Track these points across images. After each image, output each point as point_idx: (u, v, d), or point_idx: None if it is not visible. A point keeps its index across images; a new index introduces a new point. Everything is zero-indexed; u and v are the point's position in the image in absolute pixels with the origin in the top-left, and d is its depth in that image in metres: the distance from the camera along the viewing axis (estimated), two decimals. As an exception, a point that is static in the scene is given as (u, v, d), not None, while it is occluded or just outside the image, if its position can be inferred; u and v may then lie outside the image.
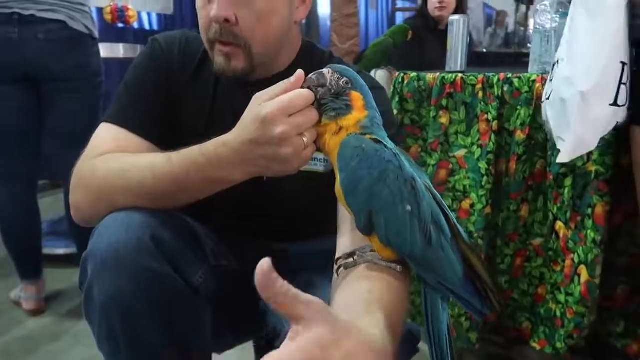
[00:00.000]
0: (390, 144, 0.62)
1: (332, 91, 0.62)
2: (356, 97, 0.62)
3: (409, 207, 0.57)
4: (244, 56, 0.81)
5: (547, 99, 1.09)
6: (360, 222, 0.60)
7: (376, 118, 0.64)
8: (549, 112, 1.06)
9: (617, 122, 0.98)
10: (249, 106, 0.65)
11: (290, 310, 0.40)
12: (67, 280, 2.05)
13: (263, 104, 0.62)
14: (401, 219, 0.57)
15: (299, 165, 0.65)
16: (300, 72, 0.63)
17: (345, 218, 0.73)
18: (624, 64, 0.95)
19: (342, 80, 0.63)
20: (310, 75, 0.63)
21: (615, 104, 0.95)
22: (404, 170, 0.59)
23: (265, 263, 0.39)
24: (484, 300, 0.60)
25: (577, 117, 0.97)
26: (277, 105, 0.61)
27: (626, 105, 0.97)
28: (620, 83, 0.95)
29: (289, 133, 0.61)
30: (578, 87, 0.96)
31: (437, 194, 0.62)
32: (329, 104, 0.62)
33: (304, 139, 0.62)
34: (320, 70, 0.63)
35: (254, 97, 0.65)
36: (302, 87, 0.62)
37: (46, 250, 2.06)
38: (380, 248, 0.61)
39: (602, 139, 1.07)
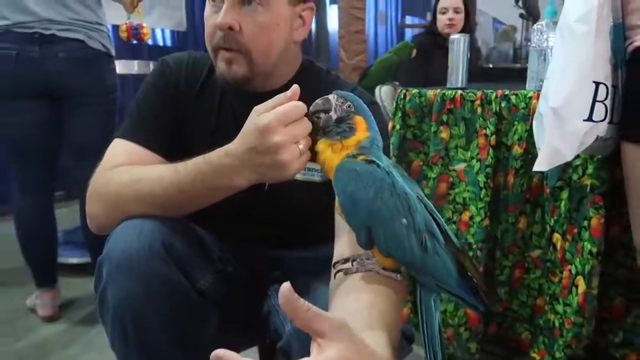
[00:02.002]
0: (384, 161, 0.66)
1: (337, 115, 0.68)
2: (359, 120, 0.68)
3: (404, 220, 0.61)
4: (245, 62, 0.86)
5: None
6: (361, 239, 0.65)
7: (376, 140, 0.68)
8: (534, 125, 1.13)
9: (598, 136, 1.04)
10: (249, 117, 0.71)
11: (312, 326, 0.45)
12: (81, 289, 2.10)
13: (261, 115, 0.68)
14: (398, 232, 0.61)
15: (296, 171, 0.70)
16: (295, 87, 0.69)
17: (341, 224, 0.77)
18: (597, 83, 1.01)
19: (346, 104, 0.68)
20: (317, 101, 0.69)
21: (590, 119, 1.01)
22: (396, 186, 0.63)
23: (285, 286, 0.44)
24: (478, 298, 0.65)
25: (549, 130, 1.04)
26: (274, 116, 0.67)
27: (606, 120, 1.03)
28: (595, 100, 1.01)
29: (286, 141, 0.67)
30: (549, 103, 1.03)
31: (429, 203, 0.66)
32: (333, 128, 0.68)
33: (299, 146, 0.68)
34: (326, 96, 0.69)
35: (253, 109, 0.71)
36: (308, 112, 0.68)
37: (61, 259, 2.12)
38: (381, 258, 0.66)
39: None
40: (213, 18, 0.85)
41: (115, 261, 0.75)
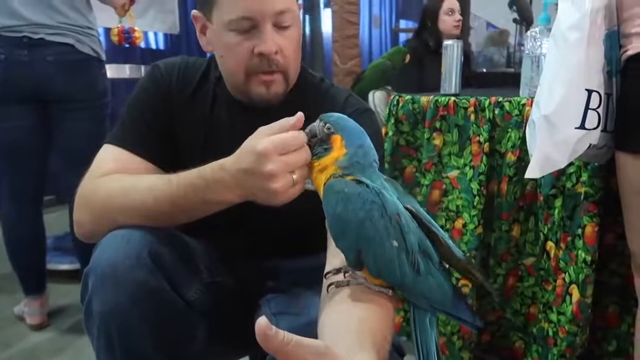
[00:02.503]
0: (375, 180, 0.64)
1: (320, 139, 0.68)
2: (335, 139, 0.67)
3: (395, 243, 0.60)
4: (282, 81, 0.87)
5: None
6: (350, 261, 0.64)
7: (356, 155, 0.66)
8: (527, 132, 1.13)
9: (591, 144, 1.04)
10: (251, 136, 0.70)
11: (296, 358, 0.43)
12: (71, 296, 2.08)
13: (260, 139, 0.67)
14: (389, 255, 0.60)
15: (286, 200, 0.69)
16: (300, 115, 0.68)
17: None
18: (590, 91, 1.01)
19: (326, 126, 0.67)
20: (305, 130, 0.69)
21: (582, 127, 1.02)
22: (387, 208, 0.61)
23: (262, 322, 0.42)
24: (472, 312, 0.64)
25: (541, 137, 1.04)
26: (272, 143, 0.66)
27: (599, 128, 1.03)
28: (588, 108, 1.01)
29: (278, 170, 0.66)
30: (542, 111, 1.03)
31: (425, 215, 0.65)
32: (316, 150, 0.68)
33: (293, 176, 0.67)
34: (312, 124, 0.69)
35: (258, 130, 0.70)
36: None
37: (50, 266, 2.10)
38: (372, 278, 0.64)
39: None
40: (247, 45, 0.84)
41: (101, 271, 0.73)
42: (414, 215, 0.64)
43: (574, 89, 1.01)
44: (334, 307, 0.64)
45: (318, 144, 0.68)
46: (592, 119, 1.02)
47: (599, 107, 1.03)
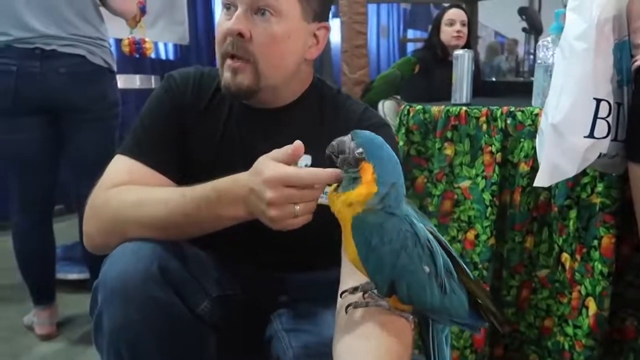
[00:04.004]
0: (402, 208, 0.62)
1: (348, 161, 0.62)
2: (366, 169, 0.61)
3: (427, 269, 0.60)
4: (251, 73, 0.84)
5: None
6: (383, 291, 0.63)
7: (389, 197, 0.60)
8: (537, 142, 1.13)
9: (601, 153, 1.03)
10: (264, 155, 0.69)
11: None
12: (80, 306, 2.07)
13: (271, 165, 0.66)
14: (422, 282, 0.60)
15: (287, 228, 0.68)
16: (298, 143, 0.67)
17: None
18: (599, 100, 1.00)
19: (358, 150, 0.61)
20: (332, 142, 0.64)
21: (591, 136, 1.01)
22: (419, 235, 0.61)
23: None
24: (483, 320, 0.65)
25: (549, 145, 1.04)
26: (277, 174, 0.65)
27: (609, 137, 1.02)
28: (597, 117, 1.00)
29: (278, 200, 0.65)
30: (550, 120, 1.03)
31: (441, 237, 0.64)
32: (343, 176, 0.63)
33: (296, 207, 0.66)
34: (342, 137, 0.64)
35: (273, 151, 0.68)
36: (326, 152, 0.65)
37: (59, 275, 2.10)
38: (398, 304, 0.64)
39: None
40: (225, 25, 0.83)
41: (110, 286, 0.73)
42: (434, 237, 0.63)
43: (582, 98, 1.01)
44: (352, 329, 0.64)
45: (346, 166, 0.62)
46: (601, 128, 1.01)
47: (608, 116, 1.02)
